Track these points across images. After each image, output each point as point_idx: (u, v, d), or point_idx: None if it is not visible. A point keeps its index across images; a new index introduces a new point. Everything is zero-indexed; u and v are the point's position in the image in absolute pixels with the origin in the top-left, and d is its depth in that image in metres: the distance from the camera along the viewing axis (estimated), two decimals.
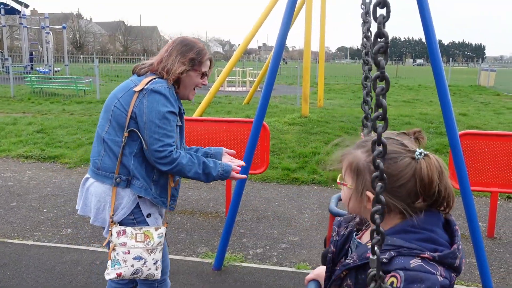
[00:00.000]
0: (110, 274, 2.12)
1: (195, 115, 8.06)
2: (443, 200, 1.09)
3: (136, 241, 2.10)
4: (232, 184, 4.64)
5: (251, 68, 24.32)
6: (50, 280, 3.34)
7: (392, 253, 1.03)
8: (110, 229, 2.12)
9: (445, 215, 1.13)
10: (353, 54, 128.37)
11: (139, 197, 2.14)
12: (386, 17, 0.86)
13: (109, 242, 2.14)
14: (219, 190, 5.55)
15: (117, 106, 2.10)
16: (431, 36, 2.76)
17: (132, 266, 2.11)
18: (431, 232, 1.07)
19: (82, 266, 3.56)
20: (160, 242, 2.16)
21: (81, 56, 45.39)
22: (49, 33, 25.54)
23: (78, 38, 69.71)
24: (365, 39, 1.60)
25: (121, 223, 2.13)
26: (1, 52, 27.16)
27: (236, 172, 2.24)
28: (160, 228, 2.18)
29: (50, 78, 18.69)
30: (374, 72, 0.91)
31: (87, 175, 2.24)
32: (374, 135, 0.90)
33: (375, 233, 0.91)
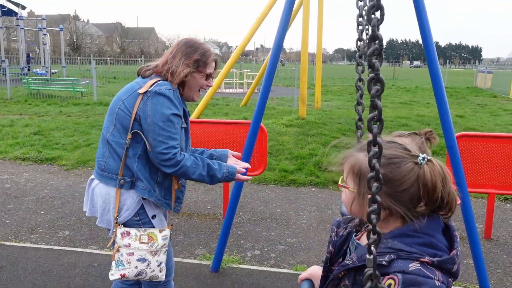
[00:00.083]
0: (114, 274, 2.13)
1: (192, 117, 8.06)
2: (446, 205, 1.09)
3: (140, 243, 2.11)
4: (230, 186, 4.64)
5: (248, 70, 24.37)
6: (47, 283, 3.33)
7: (392, 256, 1.03)
8: (114, 230, 2.12)
9: (445, 220, 1.13)
10: (351, 55, 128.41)
11: (144, 198, 2.14)
12: (380, 20, 0.86)
13: (114, 243, 2.14)
14: (216, 192, 5.55)
15: (122, 108, 2.10)
16: (428, 38, 2.77)
17: (136, 267, 2.11)
18: (432, 237, 1.07)
19: (79, 269, 3.55)
20: (165, 244, 2.16)
21: (78, 57, 45.38)
22: (46, 34, 25.45)
23: (75, 40, 69.67)
24: (358, 41, 1.60)
25: (126, 224, 2.14)
26: None
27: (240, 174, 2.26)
28: (165, 230, 2.18)
29: (47, 80, 18.65)
30: (368, 74, 0.92)
31: (92, 176, 2.26)
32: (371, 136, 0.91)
33: (371, 233, 0.92)
